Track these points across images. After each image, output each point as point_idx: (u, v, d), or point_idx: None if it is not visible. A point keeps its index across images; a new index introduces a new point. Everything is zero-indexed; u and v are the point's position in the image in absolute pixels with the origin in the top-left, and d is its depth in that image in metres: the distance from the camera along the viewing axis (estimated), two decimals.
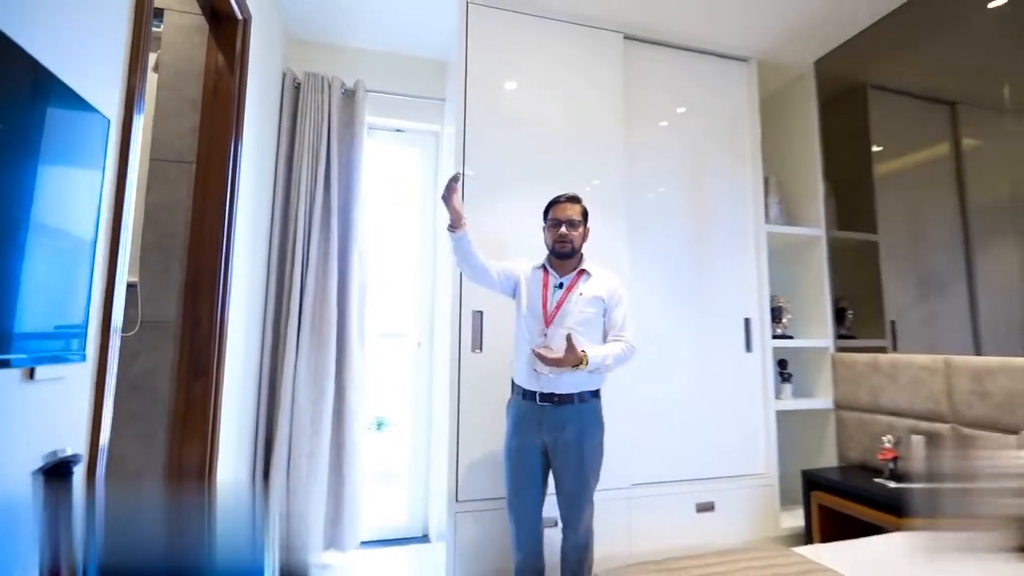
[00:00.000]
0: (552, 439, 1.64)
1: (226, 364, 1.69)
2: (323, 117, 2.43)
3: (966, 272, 2.58)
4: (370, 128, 2.59)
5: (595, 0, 2.27)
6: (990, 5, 2.27)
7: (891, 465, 2.07)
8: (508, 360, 1.92)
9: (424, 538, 2.55)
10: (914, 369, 2.16)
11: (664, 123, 2.52)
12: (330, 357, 2.30)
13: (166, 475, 1.59)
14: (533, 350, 1.62)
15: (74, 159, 0.88)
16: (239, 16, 1.74)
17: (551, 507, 1.75)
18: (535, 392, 1.67)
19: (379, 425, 3.22)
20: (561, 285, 1.74)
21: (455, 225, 1.68)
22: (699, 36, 2.54)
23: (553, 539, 1.77)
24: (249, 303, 2.04)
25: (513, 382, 1.79)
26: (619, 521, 2.13)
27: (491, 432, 1.99)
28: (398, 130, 2.74)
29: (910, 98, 2.80)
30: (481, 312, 2.07)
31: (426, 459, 2.63)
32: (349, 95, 2.52)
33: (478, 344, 2.06)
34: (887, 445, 2.10)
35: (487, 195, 2.13)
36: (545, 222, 1.81)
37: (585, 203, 1.81)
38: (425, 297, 2.69)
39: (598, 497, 1.76)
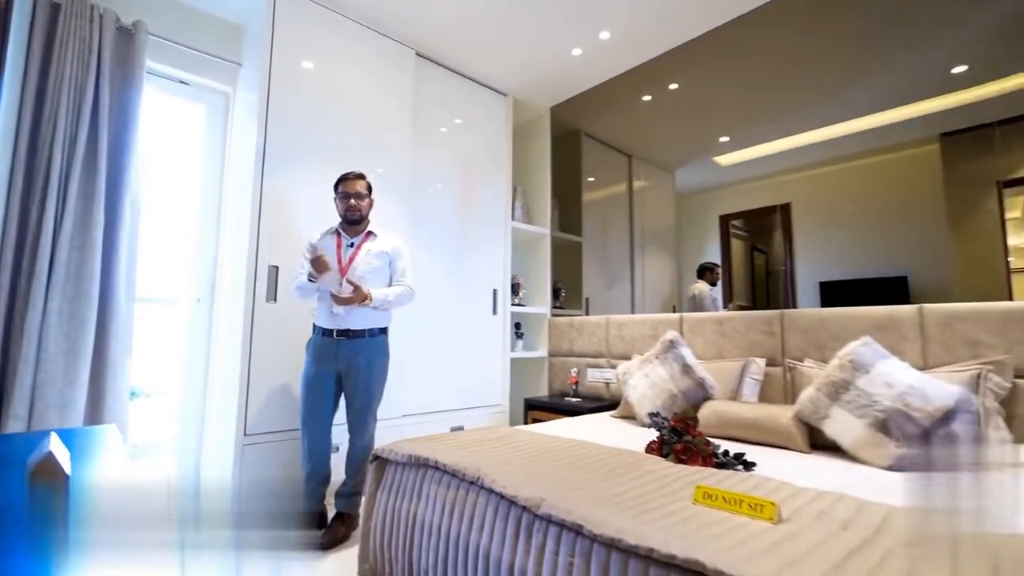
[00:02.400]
0: (346, 366, 2.05)
1: None
2: (91, 50, 2.24)
3: (630, 270, 3.95)
4: (150, 73, 2.48)
5: (393, 19, 2.73)
6: (644, 98, 3.59)
7: (574, 388, 3.12)
8: (300, 308, 2.23)
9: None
10: (592, 326, 3.28)
11: (444, 129, 3.13)
12: (91, 308, 2.16)
13: None
14: (330, 293, 2.00)
15: None
16: None
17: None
18: (333, 329, 2.05)
19: (132, 395, 2.98)
20: (352, 244, 2.15)
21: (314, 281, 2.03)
22: (473, 69, 3.25)
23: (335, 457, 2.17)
24: None
25: (315, 324, 2.12)
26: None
27: (281, 372, 2.26)
28: (183, 82, 2.66)
29: (607, 147, 4.11)
30: (277, 267, 2.30)
31: (200, 411, 2.64)
32: (126, 33, 2.37)
33: (273, 295, 2.29)
34: (572, 374, 3.15)
35: (284, 163, 2.37)
36: (336, 194, 2.17)
37: (373, 187, 2.27)
38: (207, 253, 2.69)
39: (377, 425, 2.23)
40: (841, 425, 1.70)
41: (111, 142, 2.30)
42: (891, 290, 2.57)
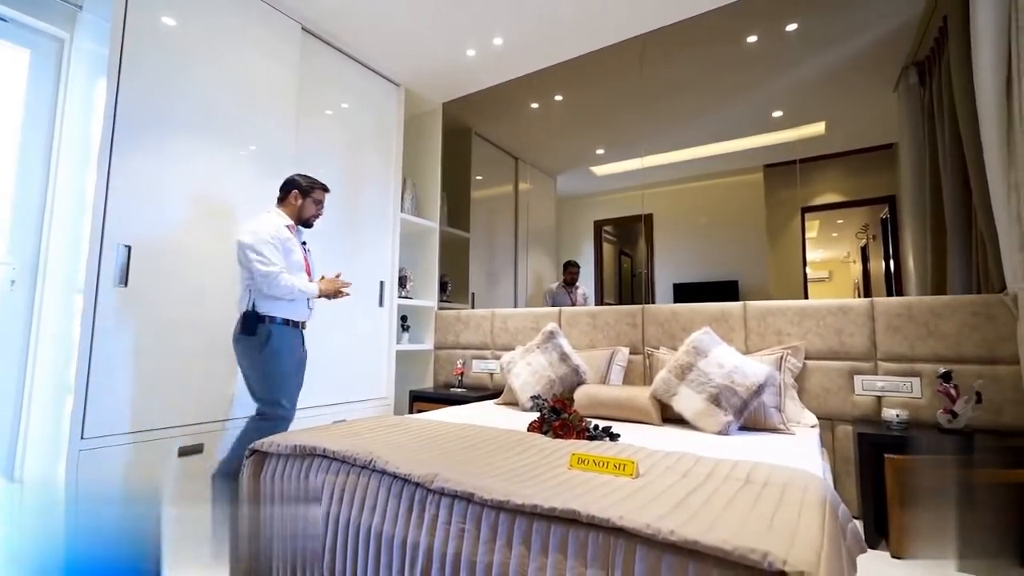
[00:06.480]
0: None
1: None
2: None
3: (514, 267, 4.14)
4: None
5: None
6: (532, 105, 3.81)
7: (459, 378, 3.21)
8: (160, 294, 1.99)
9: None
10: (477, 319, 3.40)
11: (330, 112, 3.00)
12: None
13: None
14: (328, 288, 2.24)
15: None
16: None
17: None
18: (306, 321, 2.25)
19: None
20: (304, 243, 2.30)
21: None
22: (366, 54, 3.16)
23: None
24: None
25: (277, 319, 2.09)
26: None
27: (132, 365, 2.00)
28: (0, 18, 2.20)
29: (496, 148, 4.26)
30: (130, 247, 2.03)
31: (14, 413, 2.21)
32: None
33: (123, 279, 2.01)
34: (458, 365, 3.24)
35: (140, 129, 2.09)
36: (308, 195, 2.24)
37: (250, 166, 2.30)
38: (28, 228, 2.26)
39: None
40: (686, 400, 2.03)
41: None
42: (726, 290, 3.07)
